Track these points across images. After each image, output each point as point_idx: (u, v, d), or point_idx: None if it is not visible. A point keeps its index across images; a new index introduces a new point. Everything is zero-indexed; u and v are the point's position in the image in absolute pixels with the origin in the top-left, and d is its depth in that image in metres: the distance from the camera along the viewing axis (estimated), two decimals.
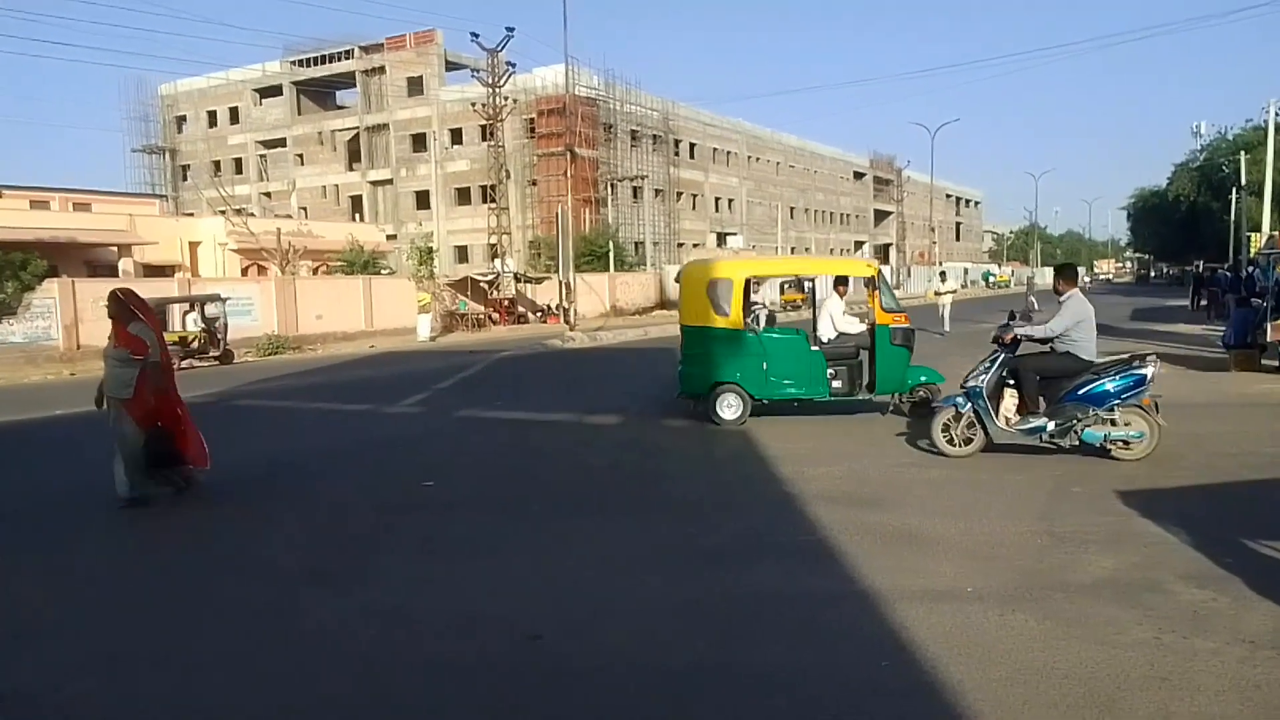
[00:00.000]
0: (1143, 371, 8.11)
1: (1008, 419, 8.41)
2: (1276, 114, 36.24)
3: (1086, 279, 62.01)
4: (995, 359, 8.49)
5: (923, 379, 11.23)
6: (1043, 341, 8.56)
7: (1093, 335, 8.42)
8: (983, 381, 8.37)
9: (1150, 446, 8.10)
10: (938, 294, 28.01)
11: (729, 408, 10.92)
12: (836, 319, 11.63)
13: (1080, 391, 8.16)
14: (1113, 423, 8.13)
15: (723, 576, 5.51)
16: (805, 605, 4.98)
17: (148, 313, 7.96)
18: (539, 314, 39.71)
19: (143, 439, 7.59)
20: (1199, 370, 15.32)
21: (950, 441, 8.62)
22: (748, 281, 11.48)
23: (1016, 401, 8.44)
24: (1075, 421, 8.18)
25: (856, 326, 11.46)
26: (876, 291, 10.80)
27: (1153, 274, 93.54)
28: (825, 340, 11.38)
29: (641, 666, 4.28)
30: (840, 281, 12.27)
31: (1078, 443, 8.27)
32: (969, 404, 8.45)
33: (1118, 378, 8.13)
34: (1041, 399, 8.39)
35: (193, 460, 7.89)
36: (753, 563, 5.78)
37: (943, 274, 29.89)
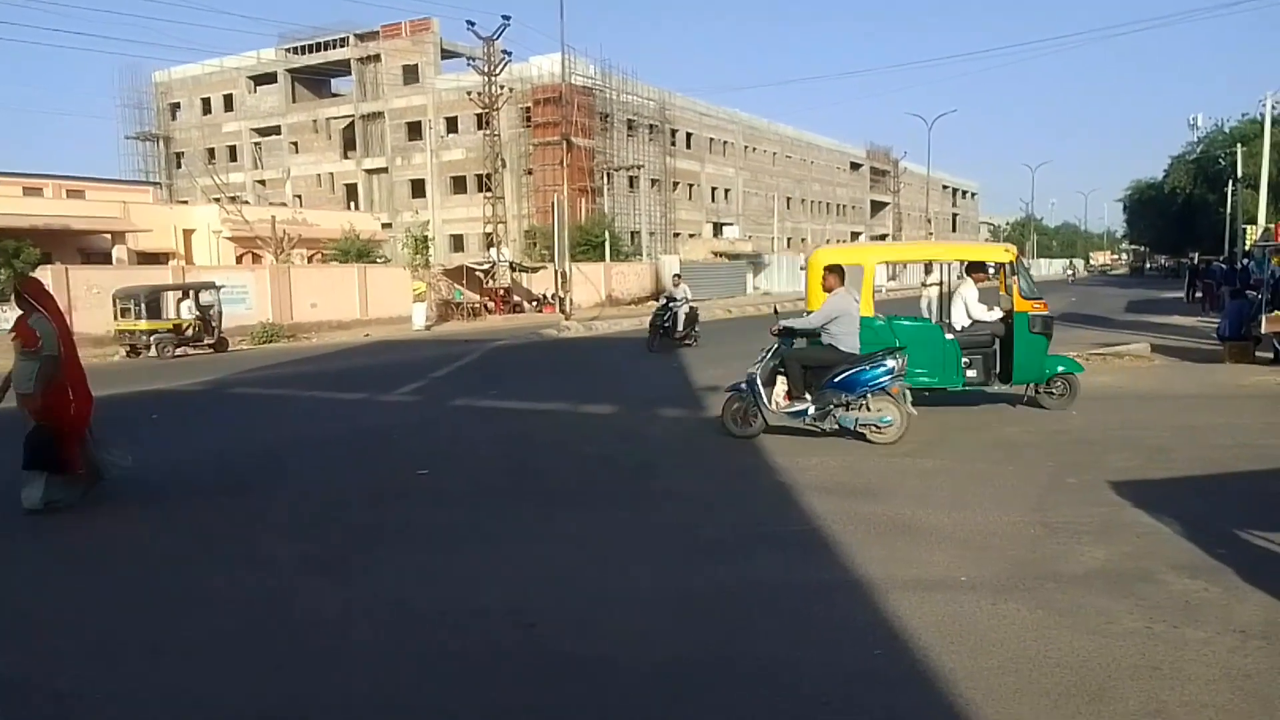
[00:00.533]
0: (889, 363, 8.85)
1: (778, 403, 9.24)
2: (1273, 107, 36.25)
3: (1071, 272, 61.98)
4: (770, 349, 9.32)
5: (1060, 369, 10.76)
6: (808, 334, 9.41)
7: (853, 329, 9.21)
8: (758, 370, 9.23)
9: (900, 431, 8.84)
10: (924, 285, 27.96)
11: None
12: (971, 306, 11.10)
13: (836, 379, 8.93)
14: (865, 408, 8.91)
15: (718, 567, 5.53)
16: (800, 595, 4.99)
17: (49, 305, 7.57)
18: (534, 303, 39.66)
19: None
20: (1194, 362, 15.36)
21: (735, 423, 9.43)
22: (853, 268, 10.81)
23: (786, 388, 9.27)
24: (833, 406, 8.99)
25: (992, 314, 11.01)
26: (1015, 277, 10.43)
27: (1148, 265, 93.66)
28: (959, 328, 10.92)
29: (637, 657, 4.29)
30: (976, 268, 11.60)
31: (836, 426, 9.02)
32: (748, 390, 9.24)
33: (868, 368, 8.88)
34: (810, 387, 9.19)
35: (65, 466, 7.22)
36: (748, 553, 5.79)
37: (928, 266, 30.12)
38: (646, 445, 9.69)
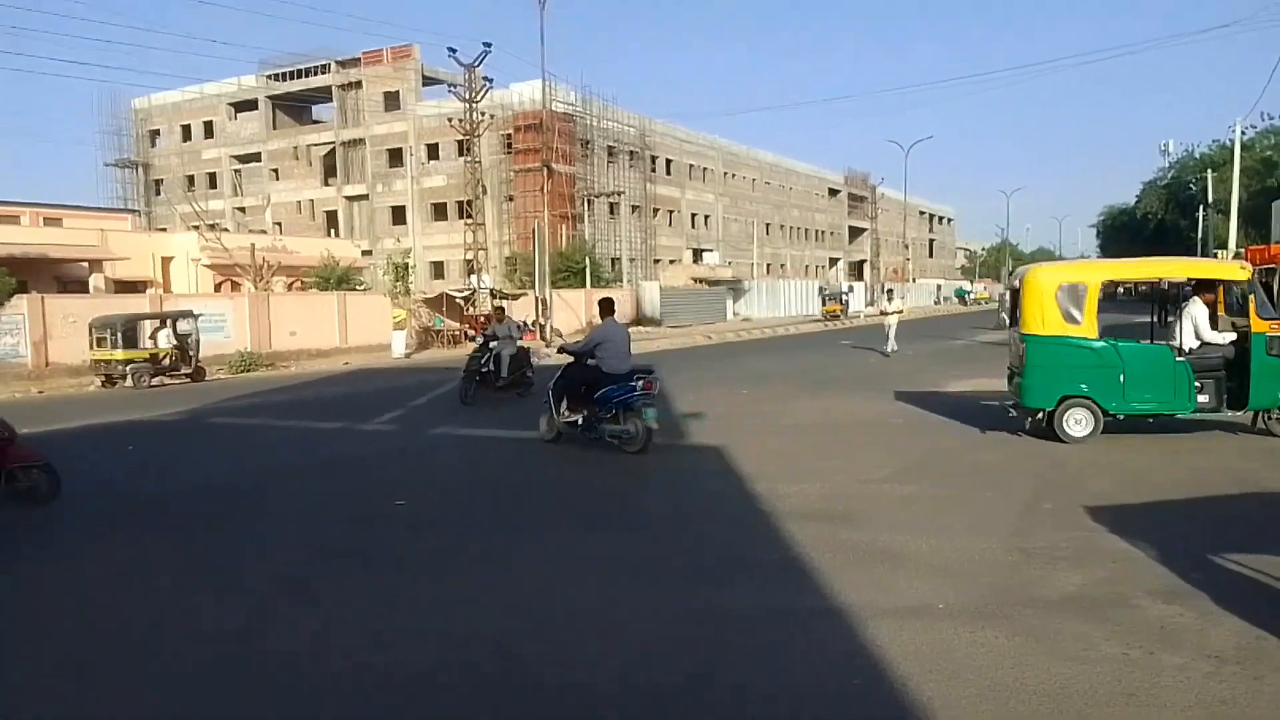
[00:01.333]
0: (636, 384, 10.20)
1: (563, 413, 10.86)
2: (1243, 133, 36.93)
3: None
4: (562, 369, 11.11)
5: None
6: (578, 356, 10.90)
7: (616, 352, 10.52)
8: (552, 386, 11.06)
9: (639, 444, 10.19)
10: (884, 313, 27.31)
11: (1077, 424, 10.14)
12: (1201, 328, 10.39)
13: (597, 396, 10.39)
14: (614, 421, 10.32)
15: (698, 593, 5.52)
16: (779, 622, 4.99)
17: None
18: None
19: None
20: None
21: (546, 430, 11.13)
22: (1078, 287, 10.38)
23: (569, 402, 10.88)
24: (594, 419, 10.44)
25: (1224, 336, 10.46)
26: (1252, 297, 9.92)
27: (1120, 290, 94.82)
28: (1187, 350, 10.35)
29: (616, 684, 4.28)
30: (1205, 287, 10.80)
31: (596, 435, 10.48)
32: (548, 401, 11.09)
33: (618, 388, 10.27)
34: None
35: None
36: (728, 580, 5.79)
37: (889, 293, 29.59)
38: (626, 472, 9.69)
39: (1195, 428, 11.01)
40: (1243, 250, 31.17)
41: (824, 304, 55.96)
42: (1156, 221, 61.99)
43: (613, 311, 11.04)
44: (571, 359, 11.00)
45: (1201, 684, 4.01)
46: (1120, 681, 4.06)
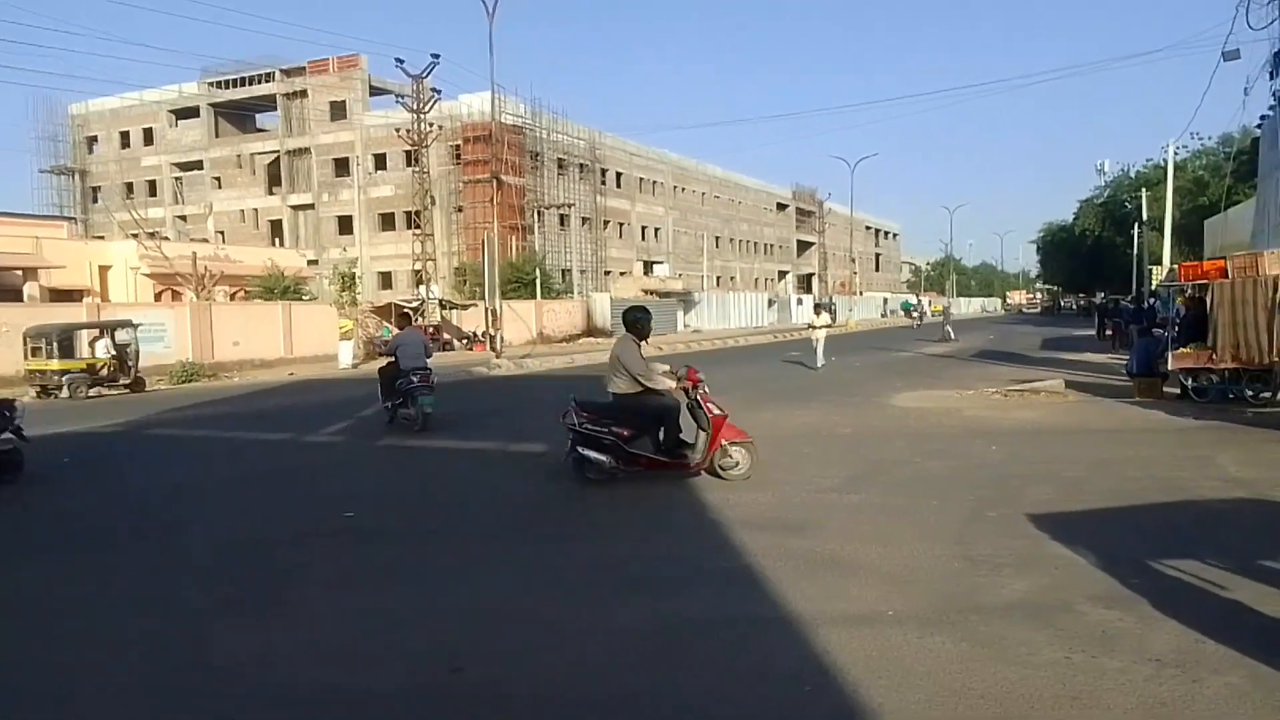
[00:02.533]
0: (414, 378, 13.37)
1: (395, 403, 13.96)
2: (1175, 153, 38.09)
3: (918, 316, 62.45)
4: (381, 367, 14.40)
5: None
6: (390, 355, 14.02)
7: (411, 354, 13.49)
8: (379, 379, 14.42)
9: (418, 425, 13.31)
10: (811, 327, 26.17)
11: None
12: None
13: (395, 386, 13.73)
14: (404, 406, 13.62)
15: (649, 603, 5.52)
16: (731, 631, 5.01)
17: None
18: (464, 341, 39.32)
19: None
20: (1105, 397, 15.92)
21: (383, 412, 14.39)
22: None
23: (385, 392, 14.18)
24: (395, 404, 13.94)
25: None
26: None
27: (1061, 305, 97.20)
28: None
29: (567, 696, 4.26)
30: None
31: (396, 417, 13.90)
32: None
33: (405, 380, 13.40)
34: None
35: None
36: (679, 589, 5.80)
37: (818, 307, 28.28)
38: (578, 483, 9.64)
39: (1121, 441, 11.32)
40: (1176, 267, 32.11)
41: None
42: (1094, 238, 63.55)
43: (410, 323, 15.83)
44: (392, 358, 13.79)
45: (1142, 687, 4.11)
46: (1063, 685, 4.14)
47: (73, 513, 8.68)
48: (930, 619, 5.04)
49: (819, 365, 24.18)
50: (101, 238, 49.57)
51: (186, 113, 60.34)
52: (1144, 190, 48.48)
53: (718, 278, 73.82)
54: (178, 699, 4.34)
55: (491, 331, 31.84)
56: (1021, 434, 11.93)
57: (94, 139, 63.07)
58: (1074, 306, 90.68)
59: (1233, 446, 10.62)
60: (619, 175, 63.03)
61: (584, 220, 57.63)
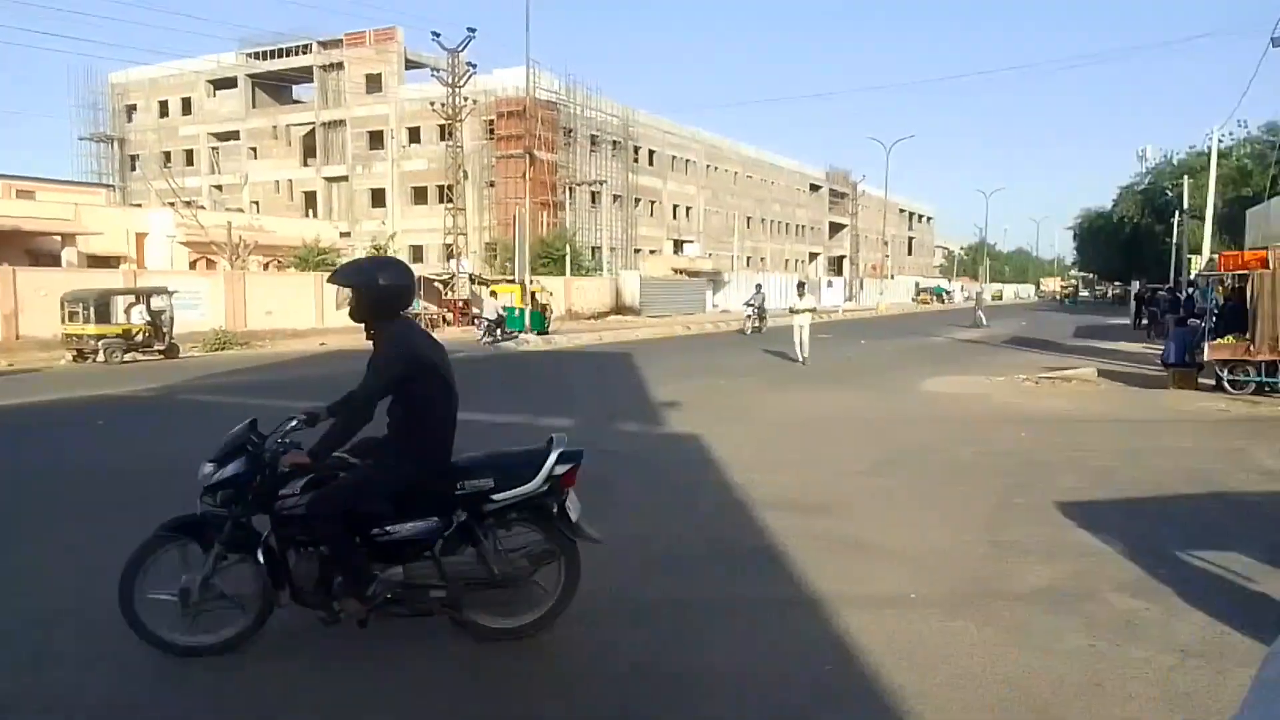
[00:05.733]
0: None
1: None
2: (1219, 141, 37.34)
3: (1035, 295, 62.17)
4: None
5: None
6: None
7: None
8: None
9: None
10: (793, 312, 20.92)
11: None
12: None
13: None
14: None
15: (672, 581, 5.55)
16: (752, 610, 5.02)
17: None
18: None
19: None
20: (1139, 387, 15.72)
21: None
22: None
23: None
24: None
25: None
26: None
27: (1081, 292, 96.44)
28: None
29: (587, 669, 4.30)
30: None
31: None
32: None
33: None
34: None
35: None
36: (701, 568, 5.82)
37: (800, 285, 22.21)
38: (602, 458, 9.65)
39: (1153, 431, 11.19)
40: (1216, 256, 31.55)
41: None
42: (1132, 226, 62.49)
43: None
44: None
45: (1166, 676, 4.08)
46: (1087, 673, 4.12)
47: (104, 473, 8.84)
48: (954, 603, 5.02)
49: (801, 358, 19.79)
50: (139, 206, 50.18)
51: (224, 83, 60.78)
52: (1185, 178, 47.55)
53: (748, 258, 73.45)
54: (189, 669, 4.41)
55: (522, 307, 31.94)
56: (1052, 421, 11.81)
57: (133, 108, 63.74)
58: (1093, 295, 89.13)
59: (1268, 440, 10.46)
60: (651, 153, 62.78)
61: (615, 198, 57.52)
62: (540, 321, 31.03)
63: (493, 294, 33.03)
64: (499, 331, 27.92)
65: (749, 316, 32.80)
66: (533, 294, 31.27)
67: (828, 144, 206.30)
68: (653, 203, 63.32)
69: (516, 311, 30.10)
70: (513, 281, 32.96)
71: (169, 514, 4.55)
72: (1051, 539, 6.29)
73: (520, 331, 28.64)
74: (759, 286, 35.04)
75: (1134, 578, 5.42)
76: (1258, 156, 44.85)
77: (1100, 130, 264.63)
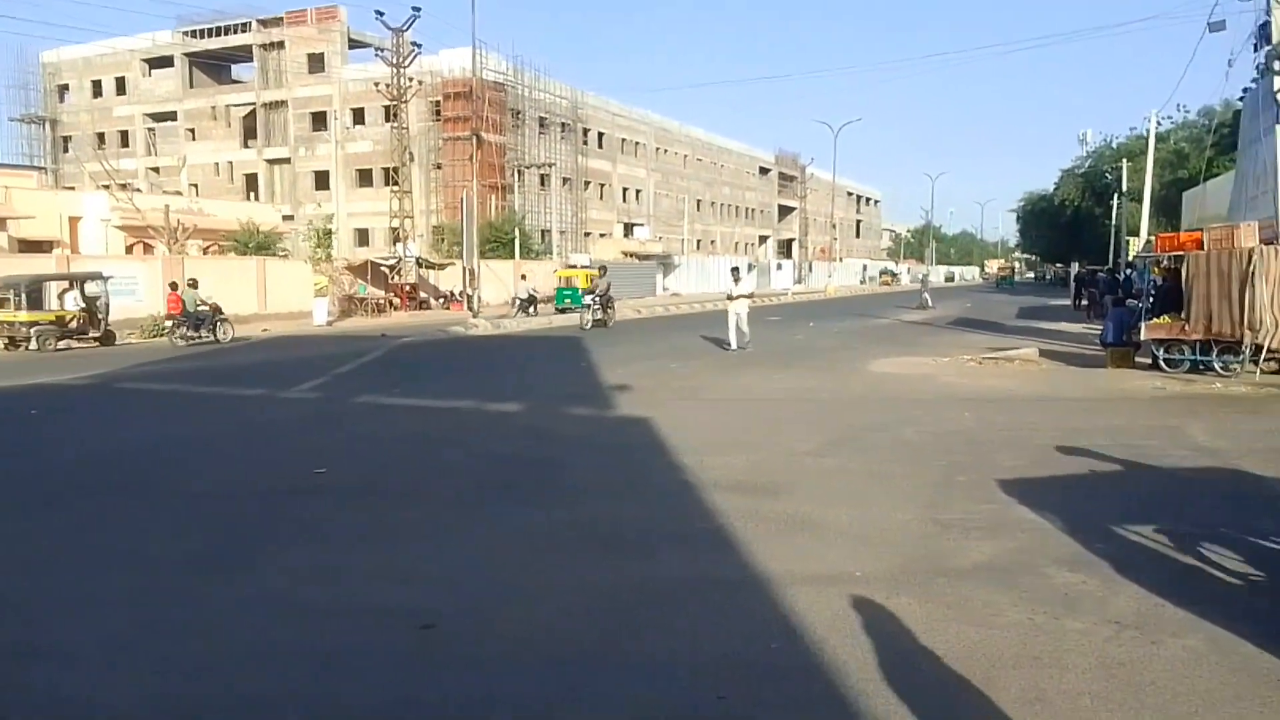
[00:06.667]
0: None
1: None
2: (1157, 124, 38.17)
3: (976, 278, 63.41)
4: None
5: None
6: None
7: None
8: None
9: None
10: (730, 298, 19.85)
11: None
12: None
13: None
14: None
15: (621, 563, 5.54)
16: (701, 590, 5.04)
17: None
18: (441, 300, 39.13)
19: None
20: (1079, 366, 16.06)
21: None
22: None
23: None
24: None
25: None
26: None
27: (1027, 273, 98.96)
28: None
29: (537, 653, 4.27)
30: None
31: None
32: None
33: None
34: None
35: None
36: (651, 549, 5.82)
37: (735, 270, 20.87)
38: (552, 443, 9.65)
39: (1091, 409, 11.44)
40: (1154, 238, 32.33)
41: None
42: (1073, 208, 63.74)
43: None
44: None
45: (1102, 648, 4.18)
46: (1026, 645, 4.20)
47: (38, 467, 8.59)
48: (898, 580, 5.09)
49: (732, 345, 19.04)
50: (72, 189, 48.73)
51: (160, 62, 59.15)
52: (1125, 161, 48.57)
53: (698, 241, 73.65)
54: (146, 654, 4.32)
55: (469, 291, 31.67)
56: (995, 401, 12.03)
57: (65, 88, 61.79)
58: (1037, 276, 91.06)
59: (1202, 417, 10.75)
60: (600, 136, 62.52)
61: (564, 181, 57.21)
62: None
63: (522, 276, 38.37)
64: (531, 309, 33.22)
65: (589, 306, 27.75)
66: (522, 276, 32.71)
67: (777, 127, 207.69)
68: (602, 185, 63.11)
69: (581, 292, 31.93)
70: (589, 266, 36.65)
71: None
72: (993, 516, 6.40)
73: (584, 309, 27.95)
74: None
75: (1072, 553, 5.53)
76: (1194, 140, 45.94)
77: (1043, 114, 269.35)
